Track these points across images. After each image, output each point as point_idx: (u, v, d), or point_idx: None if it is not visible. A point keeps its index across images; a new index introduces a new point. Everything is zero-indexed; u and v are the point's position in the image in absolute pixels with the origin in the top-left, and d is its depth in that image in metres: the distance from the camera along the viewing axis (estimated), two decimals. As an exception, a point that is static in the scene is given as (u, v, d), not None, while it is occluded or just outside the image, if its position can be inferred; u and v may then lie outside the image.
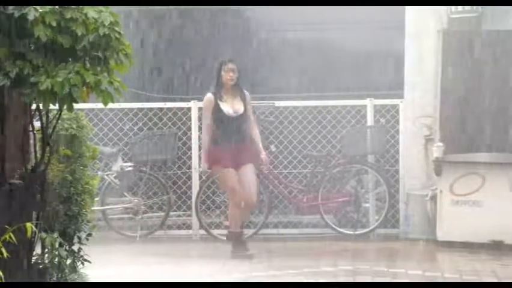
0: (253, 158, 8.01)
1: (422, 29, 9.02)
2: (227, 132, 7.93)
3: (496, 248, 8.36)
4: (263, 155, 8.12)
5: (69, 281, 5.33)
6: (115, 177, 9.19)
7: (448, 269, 7.62)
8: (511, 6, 8.19)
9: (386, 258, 8.20)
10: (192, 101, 9.39)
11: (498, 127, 8.50)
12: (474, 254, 8.23)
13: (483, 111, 8.55)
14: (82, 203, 5.59)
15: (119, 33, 4.86)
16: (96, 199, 8.00)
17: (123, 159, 9.29)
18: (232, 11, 9.95)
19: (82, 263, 5.56)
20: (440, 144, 8.64)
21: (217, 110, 7.95)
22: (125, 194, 9.25)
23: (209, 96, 8.03)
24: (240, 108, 7.97)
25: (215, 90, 8.02)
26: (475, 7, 8.71)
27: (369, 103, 9.22)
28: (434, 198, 8.77)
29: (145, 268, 7.71)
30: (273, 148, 9.31)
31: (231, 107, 7.96)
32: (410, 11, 9.07)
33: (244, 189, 7.92)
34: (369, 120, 9.23)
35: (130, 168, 9.20)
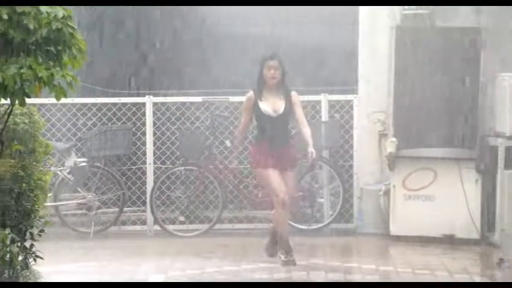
0: (291, 161, 7.50)
1: (376, 25, 9.10)
2: (265, 132, 7.44)
3: (448, 241, 8.48)
4: (310, 148, 7.42)
5: (20, 277, 5.28)
6: (68, 173, 9.11)
7: (400, 263, 7.70)
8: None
9: (339, 253, 8.26)
10: (147, 96, 9.36)
11: (450, 122, 8.61)
12: (426, 248, 8.33)
13: (435, 107, 8.65)
14: (34, 198, 5.54)
15: (72, 27, 4.83)
16: (49, 195, 7.94)
17: (77, 154, 9.22)
18: (185, 8, 9.91)
19: (34, 260, 5.51)
20: (394, 139, 8.73)
21: (256, 109, 7.47)
22: (79, 189, 9.18)
23: (250, 94, 7.54)
24: (280, 107, 7.46)
25: (256, 88, 7.55)
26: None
27: (323, 99, 9.28)
28: (387, 193, 8.86)
29: (97, 264, 7.67)
30: (228, 143, 9.32)
31: (270, 106, 7.46)
32: (364, 7, 9.13)
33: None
34: (324, 115, 9.29)
35: (83, 164, 9.13)
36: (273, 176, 7.39)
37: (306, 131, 7.49)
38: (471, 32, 8.56)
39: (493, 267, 7.49)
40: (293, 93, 7.57)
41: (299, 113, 7.54)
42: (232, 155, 7.79)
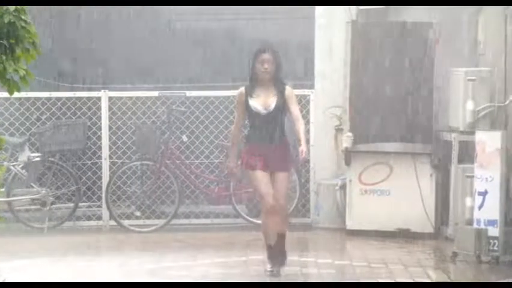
0: (283, 160, 6.91)
1: (332, 20, 9.13)
2: (256, 131, 6.91)
3: (403, 236, 8.56)
4: (302, 146, 6.80)
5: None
6: (21, 168, 9.01)
7: (356, 257, 7.76)
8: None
9: (296, 247, 8.28)
10: (102, 90, 9.28)
11: (405, 117, 8.68)
12: (381, 242, 8.40)
13: (391, 102, 8.71)
14: (-14, 194, 5.45)
15: (25, 21, 4.76)
16: (1, 190, 7.83)
17: (30, 149, 9.11)
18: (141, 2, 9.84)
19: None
20: (350, 134, 8.77)
21: (247, 106, 6.91)
22: (33, 184, 9.07)
23: (241, 90, 6.98)
24: (271, 104, 6.88)
25: (248, 83, 6.97)
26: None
27: (280, 93, 9.27)
28: (343, 187, 8.90)
29: (51, 260, 7.60)
30: (184, 138, 9.29)
31: (261, 103, 6.89)
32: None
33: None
34: (280, 110, 9.28)
35: (37, 159, 9.03)
36: (262, 179, 6.85)
37: (300, 127, 6.89)
38: (426, 27, 8.63)
39: (447, 261, 7.58)
40: (287, 88, 7.01)
41: (293, 108, 6.95)
42: (229, 153, 7.18)
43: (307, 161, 9.23)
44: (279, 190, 6.89)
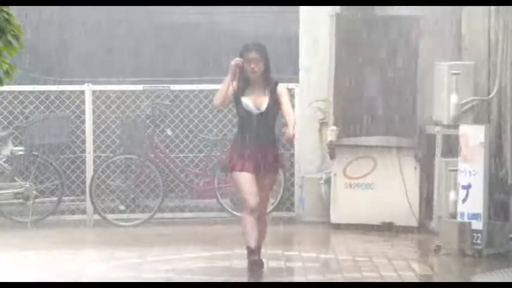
0: (272, 162, 6.67)
1: (316, 14, 9.13)
2: (246, 131, 6.62)
3: (387, 229, 8.58)
4: (290, 128, 6.51)
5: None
6: (4, 162, 8.96)
7: (340, 251, 7.77)
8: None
9: (280, 241, 8.29)
10: (86, 84, 9.24)
11: (390, 111, 8.70)
12: (366, 235, 8.42)
13: (375, 96, 8.73)
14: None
15: (7, 13, 4.72)
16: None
17: (13, 143, 9.07)
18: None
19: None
20: (334, 128, 8.78)
21: (238, 103, 6.65)
22: (16, 178, 9.03)
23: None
24: (263, 104, 6.63)
25: (237, 82, 6.66)
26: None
27: (264, 87, 9.26)
28: (328, 181, 8.92)
29: (34, 253, 7.57)
30: (169, 132, 9.27)
31: (253, 102, 6.63)
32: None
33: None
34: (265, 104, 9.27)
35: (20, 153, 8.99)
36: (247, 180, 6.59)
37: (290, 118, 6.59)
38: (410, 21, 8.65)
39: (431, 254, 7.61)
40: (279, 86, 6.73)
41: (285, 103, 6.64)
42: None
43: (292, 155, 9.24)
44: (262, 192, 6.66)
